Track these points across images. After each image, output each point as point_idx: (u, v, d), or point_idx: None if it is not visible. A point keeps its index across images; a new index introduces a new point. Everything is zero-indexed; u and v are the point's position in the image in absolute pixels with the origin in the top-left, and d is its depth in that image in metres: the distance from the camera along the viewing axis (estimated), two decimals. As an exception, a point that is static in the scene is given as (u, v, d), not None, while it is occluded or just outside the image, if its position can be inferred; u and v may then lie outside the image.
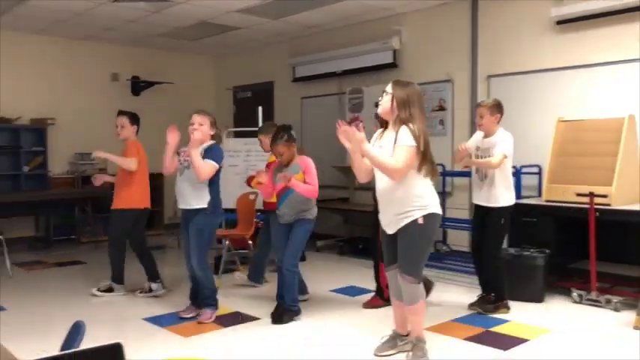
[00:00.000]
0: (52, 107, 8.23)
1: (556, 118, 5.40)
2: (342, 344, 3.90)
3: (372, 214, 4.80)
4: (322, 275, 5.95)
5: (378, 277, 4.80)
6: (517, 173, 5.74)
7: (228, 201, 6.45)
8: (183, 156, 4.41)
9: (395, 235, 3.42)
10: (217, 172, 4.32)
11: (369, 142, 3.36)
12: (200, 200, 4.30)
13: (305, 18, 7.32)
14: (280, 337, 4.06)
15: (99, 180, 5.42)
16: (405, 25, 7.14)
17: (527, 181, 5.81)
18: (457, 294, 5.08)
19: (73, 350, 0.90)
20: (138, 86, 9.10)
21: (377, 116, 4.81)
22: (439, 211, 3.41)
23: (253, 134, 7.25)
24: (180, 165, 4.42)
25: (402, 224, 3.34)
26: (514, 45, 6.13)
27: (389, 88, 3.42)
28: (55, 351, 1.08)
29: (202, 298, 4.49)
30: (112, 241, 5.28)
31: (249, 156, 6.88)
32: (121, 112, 5.46)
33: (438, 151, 6.28)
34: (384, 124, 3.51)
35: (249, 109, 9.28)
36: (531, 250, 4.94)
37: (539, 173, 5.73)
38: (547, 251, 4.88)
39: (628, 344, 3.83)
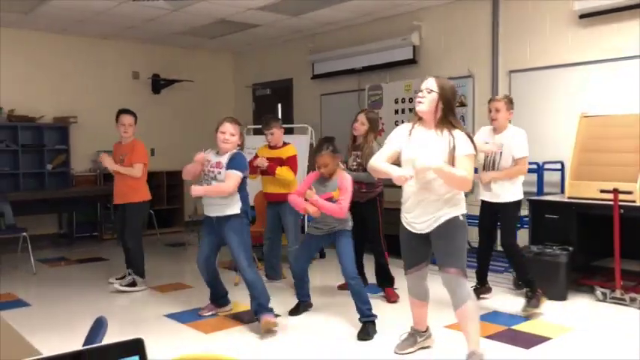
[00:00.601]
0: (74, 106, 8.33)
1: (579, 114, 5.32)
2: (361, 340, 3.90)
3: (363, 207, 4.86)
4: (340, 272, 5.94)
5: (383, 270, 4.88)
6: (539, 169, 5.67)
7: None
8: (209, 166, 4.20)
9: (425, 236, 3.30)
10: (243, 179, 4.19)
11: (383, 138, 3.36)
12: (233, 207, 4.14)
13: (324, 15, 7.31)
14: (299, 334, 4.06)
15: (105, 160, 5.25)
16: (424, 21, 7.09)
17: (550, 177, 5.74)
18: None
19: (95, 345, 0.90)
20: (158, 84, 9.17)
21: (362, 113, 4.98)
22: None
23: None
24: (205, 175, 4.22)
25: (442, 221, 3.22)
26: (536, 39, 6.04)
27: (433, 85, 3.19)
28: (78, 346, 1.09)
29: (257, 304, 4.12)
30: (134, 235, 5.34)
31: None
32: (126, 111, 5.45)
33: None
34: (416, 121, 3.31)
35: (269, 106, 9.31)
36: (554, 248, 4.88)
37: (562, 169, 5.65)
38: (570, 249, 4.81)
39: (654, 343, 3.76)
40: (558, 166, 5.70)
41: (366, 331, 3.99)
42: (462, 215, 3.27)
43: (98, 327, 1.73)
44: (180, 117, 9.22)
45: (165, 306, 4.80)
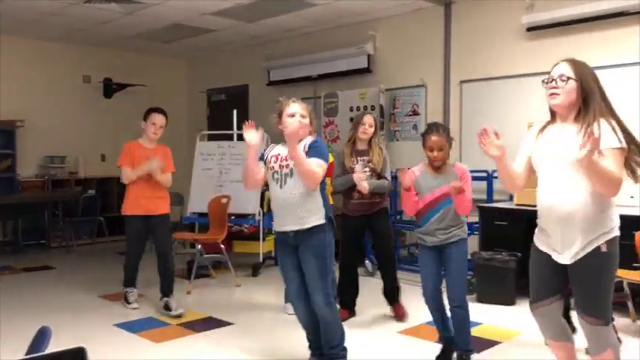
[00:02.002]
0: (22, 109, 8.06)
1: (527, 123, 5.48)
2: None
3: (345, 219, 4.55)
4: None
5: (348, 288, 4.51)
6: (489, 177, 5.81)
7: (201, 204, 6.40)
8: (279, 162, 3.23)
9: (563, 265, 2.56)
10: (323, 181, 3.23)
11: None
12: (318, 215, 3.18)
13: (280, 22, 7.32)
14: (264, 343, 4.04)
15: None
16: (379, 31, 7.19)
17: (499, 185, 5.88)
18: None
19: (35, 355, 0.88)
20: (110, 88, 8.98)
21: (369, 115, 4.41)
22: (619, 233, 2.54)
23: (227, 137, 7.24)
24: (276, 174, 3.21)
25: (584, 254, 2.48)
26: (486, 51, 6.21)
27: (568, 71, 2.57)
28: (20, 357, 1.06)
29: (330, 347, 3.27)
30: (169, 246, 4.99)
31: (222, 159, 6.83)
32: (159, 110, 4.98)
33: (411, 156, 6.37)
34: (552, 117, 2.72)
35: (224, 112, 9.24)
36: (503, 254, 5.00)
37: (511, 177, 5.79)
38: (518, 254, 4.94)
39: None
40: (507, 174, 5.84)
41: None
42: (606, 243, 2.46)
43: (41, 337, 1.68)
44: (132, 122, 8.98)
45: (115, 315, 4.69)
